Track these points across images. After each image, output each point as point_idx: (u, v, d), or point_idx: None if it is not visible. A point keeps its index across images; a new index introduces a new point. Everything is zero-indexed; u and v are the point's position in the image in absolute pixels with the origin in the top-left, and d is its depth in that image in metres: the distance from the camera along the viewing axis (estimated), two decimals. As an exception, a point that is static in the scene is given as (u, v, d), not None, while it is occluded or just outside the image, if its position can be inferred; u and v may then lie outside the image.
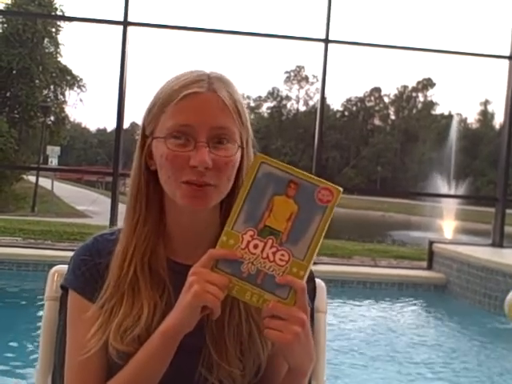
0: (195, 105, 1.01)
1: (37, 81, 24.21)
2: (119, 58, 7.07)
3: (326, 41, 7.29)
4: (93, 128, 61.80)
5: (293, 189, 0.92)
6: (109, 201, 7.37)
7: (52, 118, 24.70)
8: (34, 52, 23.66)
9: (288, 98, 60.89)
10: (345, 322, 5.64)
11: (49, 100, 25.14)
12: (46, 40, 24.54)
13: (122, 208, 6.60)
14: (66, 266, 1.14)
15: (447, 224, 16.03)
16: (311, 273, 1.10)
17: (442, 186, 20.39)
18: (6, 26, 23.51)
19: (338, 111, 59.44)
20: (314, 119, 7.81)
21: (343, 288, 6.75)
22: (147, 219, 1.07)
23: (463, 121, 54.31)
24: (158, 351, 0.97)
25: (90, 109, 39.35)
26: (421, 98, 59.92)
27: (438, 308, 6.66)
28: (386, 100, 60.92)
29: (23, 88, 23.55)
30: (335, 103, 60.09)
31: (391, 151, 55.97)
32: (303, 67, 59.75)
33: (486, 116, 55.72)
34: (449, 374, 4.52)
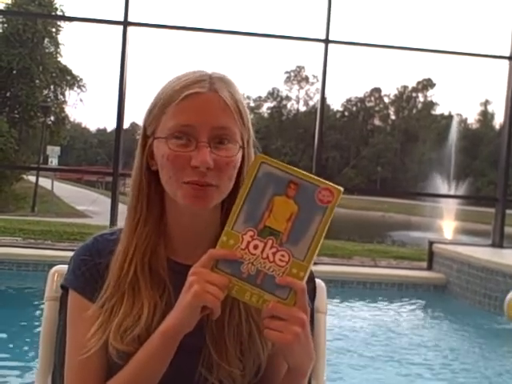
0: (197, 105, 1.01)
1: (37, 81, 24.23)
2: (119, 58, 7.07)
3: (326, 41, 7.30)
4: (93, 128, 61.82)
5: (293, 189, 0.92)
6: (109, 201, 7.37)
7: (52, 118, 24.71)
8: (34, 52, 23.67)
9: (288, 98, 60.92)
10: (344, 323, 5.64)
11: (49, 100, 25.14)
12: (46, 40, 24.55)
13: (121, 208, 6.61)
14: (66, 266, 1.14)
15: (447, 224, 16.03)
16: (311, 273, 1.10)
17: (442, 186, 20.39)
18: (6, 25, 23.51)
19: (338, 111, 59.41)
20: (314, 119, 7.81)
21: (343, 288, 6.75)
22: (148, 219, 1.07)
23: (463, 121, 54.35)
24: (158, 351, 0.98)
25: (90, 109, 39.32)
26: (421, 99, 59.93)
27: (437, 308, 6.66)
28: (386, 100, 60.93)
29: (23, 88, 23.56)
30: (335, 103, 60.13)
31: (391, 151, 55.95)
32: (303, 67, 59.78)
33: (486, 116, 55.72)
34: (448, 375, 4.52)
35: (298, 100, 60.94)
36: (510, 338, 5.66)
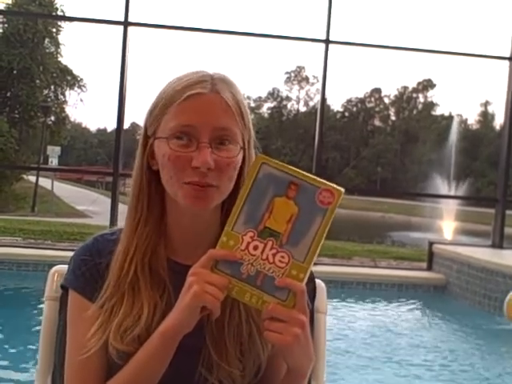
0: (198, 105, 1.01)
1: (37, 81, 24.21)
2: (119, 58, 7.08)
3: (327, 41, 7.30)
4: (93, 128, 61.76)
5: (293, 190, 0.91)
6: (109, 201, 7.37)
7: (52, 118, 24.69)
8: (34, 52, 23.66)
9: (288, 98, 60.88)
10: (344, 323, 5.64)
11: (49, 100, 25.13)
12: (46, 40, 24.52)
13: (121, 208, 6.61)
14: (66, 266, 1.14)
15: (447, 225, 16.01)
16: (311, 273, 1.09)
17: (442, 186, 20.37)
18: (6, 26, 23.48)
19: (338, 112, 59.36)
20: (315, 120, 7.81)
21: (343, 289, 6.75)
22: (148, 219, 1.07)
23: (463, 122, 54.26)
24: (158, 351, 0.98)
25: (90, 109, 39.35)
26: (421, 99, 59.88)
27: (437, 309, 6.66)
28: (387, 101, 60.89)
29: (24, 88, 23.54)
30: (335, 104, 60.01)
31: (391, 152, 55.92)
32: (304, 68, 59.72)
33: (486, 117, 55.68)
34: (448, 376, 4.51)
35: (299, 100, 60.97)
36: (510, 338, 5.65)
